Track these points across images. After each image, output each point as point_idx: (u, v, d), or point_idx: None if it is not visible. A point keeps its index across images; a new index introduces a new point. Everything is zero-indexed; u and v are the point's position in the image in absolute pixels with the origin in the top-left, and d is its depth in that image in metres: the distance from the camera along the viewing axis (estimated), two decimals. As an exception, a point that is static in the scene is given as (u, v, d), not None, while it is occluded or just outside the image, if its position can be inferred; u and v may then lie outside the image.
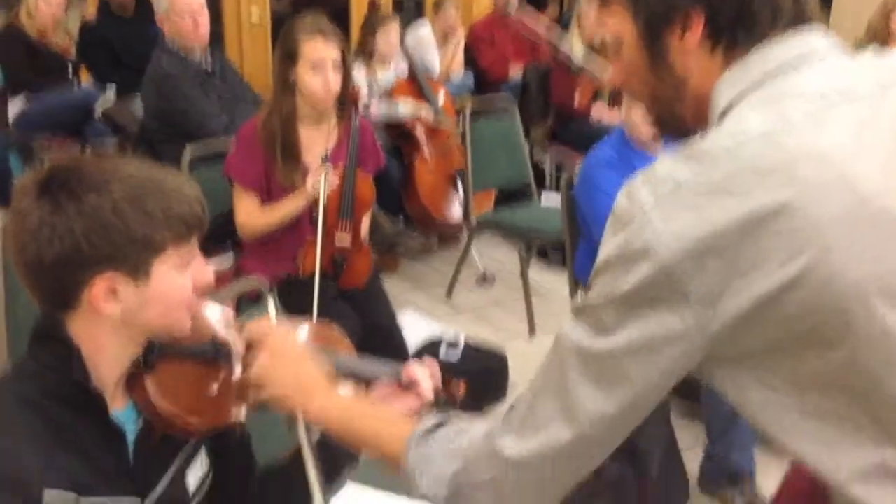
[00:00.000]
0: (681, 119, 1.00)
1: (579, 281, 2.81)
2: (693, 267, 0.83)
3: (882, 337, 0.83)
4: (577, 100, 4.69)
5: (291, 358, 1.18)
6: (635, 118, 2.59)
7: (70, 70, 4.48)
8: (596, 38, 4.69)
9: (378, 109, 4.09)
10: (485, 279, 4.14)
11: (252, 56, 5.90)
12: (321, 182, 2.50)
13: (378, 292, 2.75)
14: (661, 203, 0.85)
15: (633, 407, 0.91)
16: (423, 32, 4.62)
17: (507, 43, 5.59)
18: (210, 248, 1.52)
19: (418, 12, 6.35)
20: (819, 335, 0.83)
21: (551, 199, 4.11)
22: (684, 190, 0.84)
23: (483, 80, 5.46)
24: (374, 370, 1.43)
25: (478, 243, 4.12)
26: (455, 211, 4.28)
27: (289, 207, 2.57)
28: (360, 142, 2.66)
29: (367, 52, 4.26)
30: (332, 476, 1.33)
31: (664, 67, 0.96)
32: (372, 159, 2.78)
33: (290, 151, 2.57)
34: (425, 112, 4.16)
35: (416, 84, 4.30)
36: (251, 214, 2.60)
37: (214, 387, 1.19)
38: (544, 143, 4.82)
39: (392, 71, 4.29)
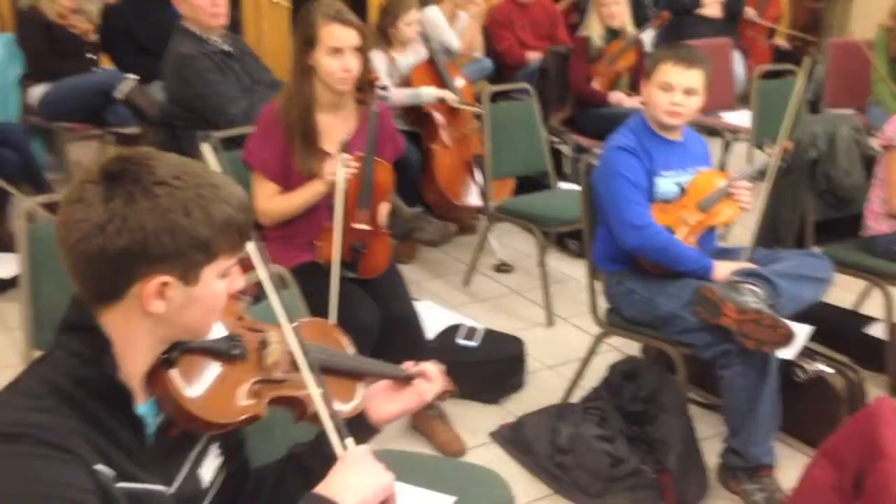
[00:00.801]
0: None
1: (598, 268, 2.78)
2: None
3: None
4: (596, 85, 4.66)
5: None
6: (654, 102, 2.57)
7: (90, 53, 4.48)
8: (614, 22, 4.65)
9: (401, 96, 4.07)
10: (503, 267, 4.14)
11: (271, 38, 5.85)
12: (339, 169, 2.49)
13: (397, 280, 2.74)
14: None
15: None
16: (431, 13, 4.61)
17: (524, 27, 5.55)
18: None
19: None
20: None
21: (569, 186, 4.09)
22: None
23: (500, 64, 5.42)
24: (372, 368, 1.44)
25: (496, 232, 4.11)
26: (473, 196, 4.27)
27: (308, 194, 2.57)
28: (379, 128, 2.64)
29: (385, 37, 4.23)
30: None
31: None
32: (390, 146, 2.76)
33: (309, 139, 2.56)
34: (449, 95, 4.14)
35: (435, 69, 4.27)
36: (270, 200, 2.60)
37: (232, 383, 1.20)
38: (563, 130, 4.78)
39: (412, 56, 4.27)
